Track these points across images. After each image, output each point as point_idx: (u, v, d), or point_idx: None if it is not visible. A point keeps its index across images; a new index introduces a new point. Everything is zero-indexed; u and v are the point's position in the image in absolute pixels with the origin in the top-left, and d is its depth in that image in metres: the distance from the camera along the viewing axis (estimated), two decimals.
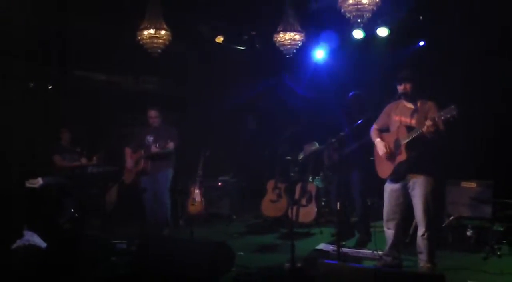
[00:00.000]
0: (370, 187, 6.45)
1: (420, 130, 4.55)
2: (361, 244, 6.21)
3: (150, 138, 6.80)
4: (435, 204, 4.85)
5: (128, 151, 6.90)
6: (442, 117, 4.35)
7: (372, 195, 6.75)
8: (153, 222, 6.74)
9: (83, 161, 7.48)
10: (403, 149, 4.72)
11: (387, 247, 5.07)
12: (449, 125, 4.39)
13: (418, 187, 4.77)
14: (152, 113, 6.81)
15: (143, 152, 6.73)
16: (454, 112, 4.26)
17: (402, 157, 4.74)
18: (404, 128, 4.77)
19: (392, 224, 4.99)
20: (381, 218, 5.18)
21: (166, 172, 6.82)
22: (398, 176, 4.86)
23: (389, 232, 5.02)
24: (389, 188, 4.98)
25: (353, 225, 6.67)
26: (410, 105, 4.91)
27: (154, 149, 6.60)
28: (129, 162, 6.84)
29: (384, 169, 4.98)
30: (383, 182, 5.07)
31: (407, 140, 4.67)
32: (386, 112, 5.11)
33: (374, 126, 5.19)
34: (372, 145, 5.19)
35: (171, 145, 6.71)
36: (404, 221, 5.10)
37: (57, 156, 7.41)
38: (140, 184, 6.82)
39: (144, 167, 6.72)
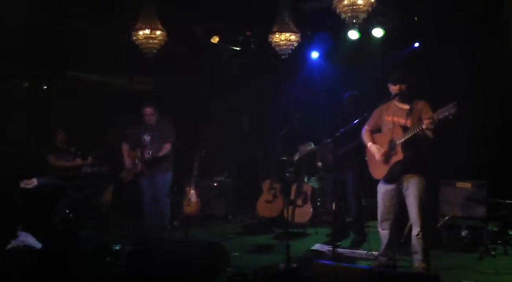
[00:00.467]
0: (364, 187, 6.46)
1: (418, 129, 4.54)
2: (356, 244, 6.22)
3: (147, 138, 6.75)
4: (429, 202, 4.86)
5: (125, 147, 6.86)
6: (440, 116, 4.35)
7: (366, 195, 6.76)
8: (150, 226, 6.69)
9: (78, 161, 7.46)
10: (399, 148, 4.72)
11: (382, 248, 5.09)
12: (448, 123, 4.38)
13: (411, 187, 4.78)
14: (148, 110, 6.74)
15: (139, 153, 6.71)
16: (452, 111, 4.25)
17: (398, 156, 4.73)
18: (400, 128, 4.77)
19: (386, 225, 5.00)
20: (375, 218, 5.19)
21: (165, 175, 6.76)
22: (393, 176, 4.86)
23: (384, 233, 5.03)
24: (383, 189, 4.99)
25: (348, 225, 6.68)
26: (404, 106, 4.91)
27: (147, 156, 6.54)
28: (127, 161, 6.82)
29: (378, 170, 4.98)
30: (377, 182, 5.07)
31: (403, 139, 4.67)
32: (377, 113, 5.10)
33: (366, 128, 5.17)
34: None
35: (167, 146, 6.66)
36: (398, 221, 5.11)
37: (52, 156, 7.37)
38: (139, 185, 6.81)
39: (141, 169, 6.71)
